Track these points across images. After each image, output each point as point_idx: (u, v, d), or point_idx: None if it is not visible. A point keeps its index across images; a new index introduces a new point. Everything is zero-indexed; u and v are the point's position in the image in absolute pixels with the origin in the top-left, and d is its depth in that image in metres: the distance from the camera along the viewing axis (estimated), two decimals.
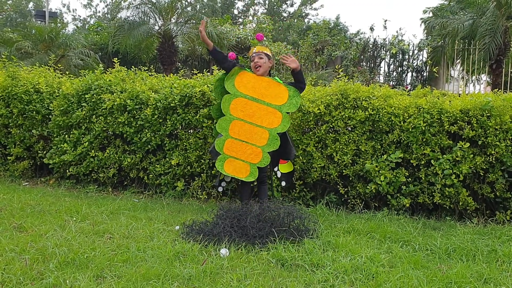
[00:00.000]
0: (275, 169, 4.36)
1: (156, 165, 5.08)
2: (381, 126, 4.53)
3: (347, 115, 4.58)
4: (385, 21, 14.12)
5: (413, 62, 13.82)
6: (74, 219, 3.91)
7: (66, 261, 2.86)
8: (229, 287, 2.55)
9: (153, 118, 4.99)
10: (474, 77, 15.11)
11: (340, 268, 2.85)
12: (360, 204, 4.60)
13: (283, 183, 4.31)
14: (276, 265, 2.94)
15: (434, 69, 12.89)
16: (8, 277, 2.58)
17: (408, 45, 13.54)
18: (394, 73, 13.97)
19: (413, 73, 13.84)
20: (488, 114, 4.25)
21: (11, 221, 3.72)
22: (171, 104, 4.91)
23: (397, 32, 16.56)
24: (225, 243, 3.26)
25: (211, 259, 2.98)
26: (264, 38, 3.96)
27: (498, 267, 3.00)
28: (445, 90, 10.01)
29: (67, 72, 6.62)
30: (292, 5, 34.14)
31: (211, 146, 4.12)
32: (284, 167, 4.26)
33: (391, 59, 13.90)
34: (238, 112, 3.90)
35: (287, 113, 3.96)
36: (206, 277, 2.69)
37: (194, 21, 14.70)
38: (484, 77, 16.22)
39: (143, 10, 14.26)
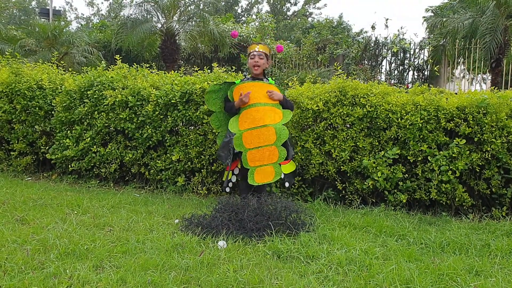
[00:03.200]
0: None
1: (157, 161, 5.15)
2: (378, 123, 4.58)
3: (345, 112, 4.64)
4: (387, 20, 14.17)
5: (415, 60, 13.84)
6: (75, 212, 3.99)
7: (66, 252, 2.93)
8: (225, 277, 2.62)
9: (154, 114, 5.06)
10: (478, 76, 15.12)
11: (335, 260, 2.91)
12: (358, 200, 4.65)
13: (287, 184, 4.28)
14: (272, 257, 3.00)
15: (436, 68, 12.91)
16: (10, 266, 2.66)
17: (410, 44, 13.57)
18: (396, 72, 14.00)
19: (415, 72, 13.87)
20: (484, 111, 4.30)
21: (14, 214, 3.80)
22: (172, 101, 4.98)
23: (398, 31, 16.60)
24: (223, 236, 3.32)
25: (209, 251, 3.04)
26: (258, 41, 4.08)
27: (490, 260, 3.05)
28: (447, 89, 10.03)
29: (70, 69, 6.70)
30: (295, 4, 34.22)
31: (218, 150, 4.18)
32: (286, 168, 4.29)
33: (393, 58, 13.93)
34: (243, 124, 3.99)
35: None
36: (203, 268, 2.75)
37: (197, 19, 14.74)
38: (487, 76, 16.23)
39: (145, 8, 14.30)
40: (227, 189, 4.35)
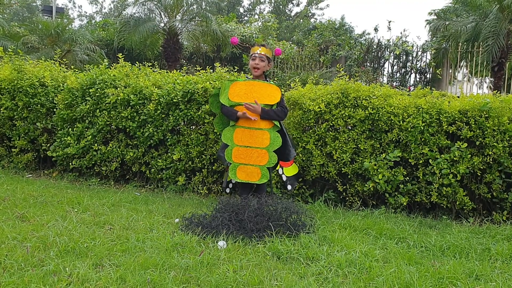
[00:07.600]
0: (280, 172, 4.39)
1: (158, 160, 5.15)
2: (380, 125, 4.57)
3: (347, 114, 4.63)
4: (389, 22, 14.18)
5: (417, 63, 13.83)
6: (76, 210, 3.99)
7: (66, 249, 2.93)
8: (225, 277, 2.61)
9: (156, 113, 5.06)
10: (481, 80, 15.10)
11: (335, 261, 2.91)
12: (358, 202, 4.65)
13: (289, 187, 4.26)
14: (272, 258, 3.00)
15: (438, 71, 12.89)
16: (10, 263, 2.66)
17: (412, 46, 13.56)
18: (398, 74, 13.99)
19: (417, 75, 13.86)
20: (486, 115, 4.29)
21: (14, 211, 3.80)
22: (174, 100, 4.98)
23: (401, 33, 16.59)
24: (223, 236, 3.32)
25: (209, 251, 3.04)
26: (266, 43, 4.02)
27: (491, 264, 3.04)
28: (449, 92, 10.03)
29: (72, 67, 6.70)
30: (298, 5, 34.21)
31: (218, 151, 4.19)
32: (289, 170, 4.26)
33: (395, 60, 13.92)
34: (237, 122, 3.96)
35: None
36: (203, 268, 2.75)
37: (200, 19, 14.75)
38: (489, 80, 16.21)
39: (148, 7, 14.32)
40: (227, 190, 4.36)
